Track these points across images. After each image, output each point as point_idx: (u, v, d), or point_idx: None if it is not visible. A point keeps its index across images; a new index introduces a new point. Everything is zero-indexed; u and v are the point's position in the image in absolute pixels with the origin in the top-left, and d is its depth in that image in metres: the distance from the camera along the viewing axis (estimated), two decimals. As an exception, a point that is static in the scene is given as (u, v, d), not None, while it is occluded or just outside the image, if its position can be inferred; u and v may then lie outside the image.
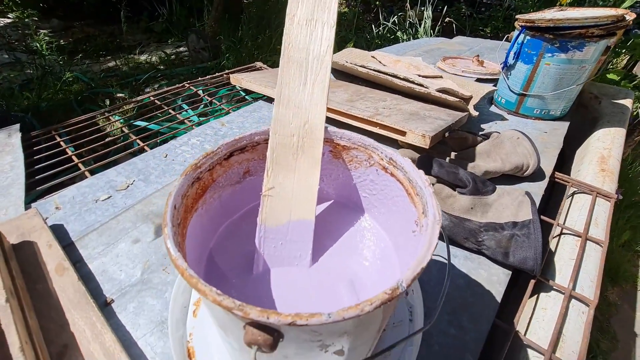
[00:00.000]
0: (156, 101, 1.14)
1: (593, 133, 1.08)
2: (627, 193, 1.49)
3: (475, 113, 0.99)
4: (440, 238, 0.59)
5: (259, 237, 0.41)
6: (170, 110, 1.10)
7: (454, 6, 4.17)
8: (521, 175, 0.77)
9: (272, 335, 0.25)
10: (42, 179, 0.81)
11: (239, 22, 3.22)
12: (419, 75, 1.14)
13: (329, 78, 0.43)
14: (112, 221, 0.67)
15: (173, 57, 3.36)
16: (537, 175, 0.79)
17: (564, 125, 1.05)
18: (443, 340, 0.49)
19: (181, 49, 3.66)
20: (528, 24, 0.97)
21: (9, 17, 4.63)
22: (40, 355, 0.40)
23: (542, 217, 0.71)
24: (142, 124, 1.08)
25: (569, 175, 0.85)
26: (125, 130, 1.02)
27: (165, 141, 0.95)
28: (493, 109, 1.17)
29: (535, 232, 0.56)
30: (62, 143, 0.93)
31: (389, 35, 3.55)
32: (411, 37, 3.30)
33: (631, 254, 1.41)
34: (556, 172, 0.83)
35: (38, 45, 2.91)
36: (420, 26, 3.37)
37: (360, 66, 1.12)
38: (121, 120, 1.16)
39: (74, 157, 0.88)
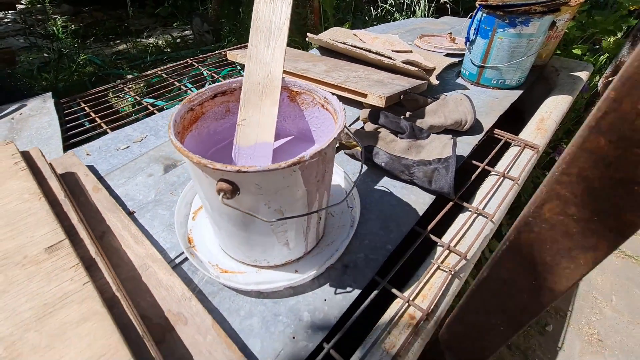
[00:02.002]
0: (163, 74, 1.32)
1: (544, 101, 1.22)
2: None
3: (435, 82, 1.15)
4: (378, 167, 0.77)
5: (234, 154, 0.59)
6: (176, 83, 1.28)
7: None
8: (461, 129, 0.93)
9: (232, 185, 0.43)
10: (73, 135, 1.00)
11: (239, 4, 3.34)
12: (392, 50, 1.29)
13: (286, 42, 0.60)
14: (131, 162, 0.86)
15: (178, 40, 3.51)
16: (475, 129, 0.96)
17: (516, 94, 1.20)
18: (372, 237, 0.67)
19: (186, 32, 3.81)
20: (483, 2, 1.11)
21: (21, 4, 4.80)
22: (90, 233, 0.59)
23: (473, 161, 0.88)
24: (150, 100, 1.26)
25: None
26: (135, 107, 1.21)
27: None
28: (459, 80, 1.32)
29: (451, 166, 0.73)
30: (86, 108, 1.12)
31: (388, 17, 3.63)
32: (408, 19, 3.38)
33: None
34: (495, 129, 0.99)
35: (55, 29, 3.08)
36: (417, 8, 3.44)
37: (340, 42, 1.28)
38: (131, 99, 1.33)
39: (97, 119, 1.07)
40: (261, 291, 0.58)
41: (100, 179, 0.80)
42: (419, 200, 0.75)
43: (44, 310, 0.40)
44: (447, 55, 1.40)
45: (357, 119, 0.98)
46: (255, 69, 0.60)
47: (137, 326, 0.42)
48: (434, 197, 0.76)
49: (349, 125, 0.97)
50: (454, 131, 0.94)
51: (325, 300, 0.57)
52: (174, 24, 4.02)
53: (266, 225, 0.51)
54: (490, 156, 0.88)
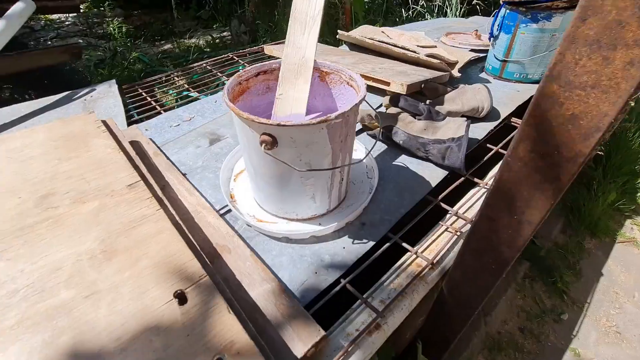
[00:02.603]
0: (207, 67, 1.48)
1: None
2: (615, 156, 1.61)
3: (457, 74, 1.22)
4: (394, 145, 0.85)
5: (272, 122, 0.70)
6: (219, 73, 1.43)
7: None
8: (478, 116, 1.00)
9: (272, 138, 0.54)
10: (133, 114, 1.17)
11: (275, 7, 3.52)
12: (417, 46, 1.37)
13: (318, 30, 0.71)
14: (182, 136, 1.00)
15: (217, 40, 3.74)
16: (492, 117, 1.02)
17: (538, 87, 1.23)
18: (388, 203, 0.76)
19: (224, 33, 4.05)
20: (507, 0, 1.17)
21: (72, 13, 5.29)
22: (154, 185, 0.72)
23: (488, 145, 0.94)
24: (193, 94, 1.41)
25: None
26: (178, 101, 1.37)
27: (215, 93, 1.27)
28: (483, 75, 1.37)
29: (463, 144, 0.81)
30: (143, 93, 1.29)
31: (419, 19, 3.67)
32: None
33: (615, 212, 1.54)
34: (513, 118, 1.04)
35: (112, 29, 3.41)
36: (449, 9, 3.46)
37: (368, 38, 1.37)
38: (174, 94, 1.50)
39: (152, 102, 1.23)
40: (290, 238, 0.69)
41: (158, 148, 0.95)
42: (433, 175, 0.83)
43: (129, 225, 0.53)
44: (472, 51, 1.45)
45: (380, 105, 1.07)
46: (292, 52, 0.71)
47: (195, 244, 0.54)
48: (447, 172, 0.83)
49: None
50: (471, 118, 1.01)
51: (343, 247, 0.67)
52: (214, 26, 4.28)
53: (297, 178, 0.61)
54: (505, 140, 0.94)
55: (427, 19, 3.60)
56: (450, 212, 0.75)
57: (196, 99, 1.26)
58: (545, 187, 0.40)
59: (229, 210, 0.75)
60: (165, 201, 0.62)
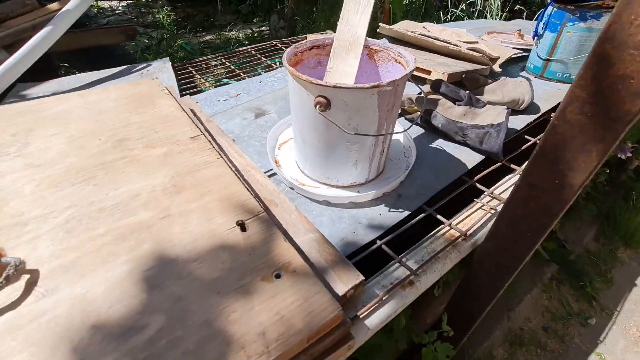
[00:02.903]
0: (252, 52, 1.55)
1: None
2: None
3: (498, 69, 1.23)
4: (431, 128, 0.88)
5: (322, 93, 0.75)
6: (263, 58, 1.50)
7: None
8: (518, 108, 1.01)
9: (327, 100, 0.59)
10: (184, 88, 1.26)
11: (314, 4, 3.60)
12: (459, 40, 1.39)
13: (371, 10, 0.75)
14: (229, 109, 1.08)
15: (256, 34, 3.87)
16: (532, 110, 1.02)
17: (581, 87, 1.22)
18: (424, 179, 0.79)
19: (263, 28, 4.18)
20: (555, -3, 1.17)
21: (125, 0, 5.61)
22: (212, 143, 0.79)
23: (526, 136, 0.95)
24: (230, 82, 1.49)
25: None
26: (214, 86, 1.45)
27: (259, 75, 1.34)
28: (523, 73, 1.37)
29: (502, 130, 0.82)
30: (193, 71, 1.39)
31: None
32: (477, 24, 3.37)
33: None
34: (552, 113, 1.04)
35: (161, 17, 3.61)
36: (489, 13, 3.42)
37: (410, 32, 1.40)
38: (212, 81, 1.58)
39: (202, 79, 1.32)
40: (329, 202, 0.73)
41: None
42: (469, 158, 0.85)
43: (194, 168, 0.59)
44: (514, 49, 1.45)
45: (420, 92, 1.10)
46: (345, 29, 0.76)
47: (249, 190, 0.59)
48: (483, 157, 0.85)
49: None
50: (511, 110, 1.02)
51: (380, 214, 0.71)
52: (254, 20, 4.41)
53: (344, 142, 0.66)
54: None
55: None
56: (485, 192, 0.77)
57: (242, 78, 1.34)
58: (589, 149, 0.42)
59: (274, 174, 0.80)
60: (222, 154, 0.68)
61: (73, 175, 0.57)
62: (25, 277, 0.41)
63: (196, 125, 0.73)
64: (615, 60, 0.36)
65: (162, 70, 1.33)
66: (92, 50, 2.22)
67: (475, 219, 0.70)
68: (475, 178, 0.79)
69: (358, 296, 0.55)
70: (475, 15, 3.57)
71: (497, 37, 1.54)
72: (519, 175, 0.81)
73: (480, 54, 1.17)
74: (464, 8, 3.61)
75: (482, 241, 0.66)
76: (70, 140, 0.65)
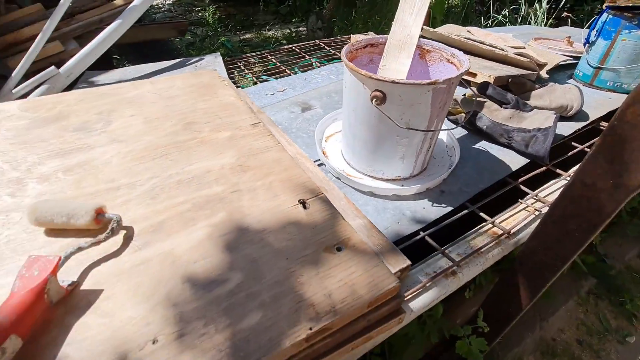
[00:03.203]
0: (297, 50, 1.62)
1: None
2: None
3: (545, 75, 1.21)
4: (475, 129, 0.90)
5: (373, 89, 0.79)
6: (307, 56, 1.56)
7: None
8: (566, 114, 1.00)
9: (383, 94, 0.63)
10: (234, 82, 1.33)
11: (353, 6, 3.64)
12: (505, 45, 1.38)
13: (426, 11, 0.78)
14: (277, 103, 1.14)
15: (294, 34, 3.96)
16: (580, 118, 1.01)
17: (634, 97, 1.18)
18: (467, 178, 0.81)
19: (300, 28, 4.27)
20: (611, 4, 1.14)
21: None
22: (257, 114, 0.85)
23: (573, 143, 0.94)
24: (269, 79, 1.55)
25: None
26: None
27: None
28: (571, 81, 1.34)
29: (550, 135, 0.83)
30: (242, 66, 1.46)
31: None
32: (520, 31, 3.28)
33: None
34: (603, 122, 1.02)
35: (207, 15, 3.79)
36: (532, 20, 3.32)
37: (455, 35, 1.41)
38: (251, 78, 1.64)
39: (250, 74, 1.39)
40: (374, 193, 0.77)
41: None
42: (513, 161, 0.86)
43: (257, 151, 0.65)
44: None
45: (464, 95, 1.11)
46: (398, 30, 0.79)
47: (304, 173, 0.64)
48: (528, 160, 0.86)
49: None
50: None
51: (423, 208, 0.73)
52: (292, 20, 4.52)
53: (393, 136, 0.69)
54: (592, 141, 0.93)
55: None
56: (530, 194, 0.78)
57: (287, 74, 1.40)
58: (650, 150, 0.43)
59: (321, 164, 0.85)
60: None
61: (152, 151, 0.64)
62: (123, 232, 0.47)
63: (255, 113, 0.79)
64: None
65: (213, 64, 1.42)
66: (143, 44, 2.38)
67: (518, 218, 0.72)
68: (520, 180, 0.80)
69: (403, 280, 0.58)
70: (519, 21, 3.48)
71: (545, 44, 1.51)
72: (565, 181, 0.81)
73: (528, 59, 1.17)
74: (507, 14, 3.52)
75: (525, 240, 0.67)
76: (146, 121, 0.72)
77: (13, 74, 1.26)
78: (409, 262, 0.56)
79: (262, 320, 0.37)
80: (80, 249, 0.43)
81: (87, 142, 0.65)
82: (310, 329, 0.37)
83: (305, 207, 0.53)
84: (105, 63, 1.82)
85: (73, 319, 0.36)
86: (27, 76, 1.30)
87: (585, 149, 0.91)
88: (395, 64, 0.79)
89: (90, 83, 1.31)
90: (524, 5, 3.44)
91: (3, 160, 0.59)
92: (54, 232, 0.47)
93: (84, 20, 1.62)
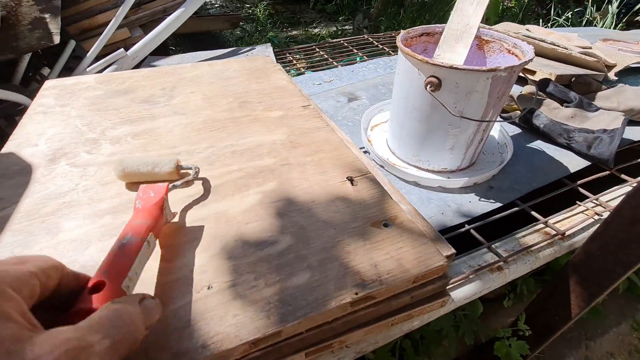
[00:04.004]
0: (345, 43, 1.63)
1: None
2: None
3: (614, 77, 1.12)
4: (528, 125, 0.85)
5: (425, 79, 0.78)
6: (354, 50, 1.56)
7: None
8: (636, 119, 0.91)
9: (438, 80, 0.62)
10: (282, 71, 1.37)
11: (401, 5, 3.59)
12: (569, 44, 1.29)
13: (487, 2, 0.76)
14: (324, 92, 1.15)
15: (339, 32, 3.98)
16: (653, 122, 0.92)
17: None
18: (519, 176, 0.77)
19: (346, 27, 4.27)
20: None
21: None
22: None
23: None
24: (312, 74, 1.56)
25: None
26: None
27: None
28: (642, 86, 1.23)
29: (617, 137, 0.76)
30: (291, 57, 1.50)
31: (557, 31, 3.33)
32: (584, 35, 3.05)
33: None
34: (680, 129, 0.93)
35: (259, 11, 3.93)
36: (599, 24, 3.07)
37: (512, 32, 1.34)
38: (298, 70, 1.67)
39: (298, 64, 1.42)
40: (418, 183, 0.76)
41: (304, 97, 1.11)
42: (572, 162, 0.80)
43: (307, 130, 0.66)
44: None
45: (521, 92, 1.05)
46: (457, 19, 0.77)
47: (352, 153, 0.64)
48: (589, 163, 0.80)
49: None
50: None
51: (470, 202, 0.71)
52: (339, 19, 4.54)
53: (445, 126, 0.68)
54: (665, 148, 0.85)
55: (568, 33, 3.25)
56: (590, 197, 0.72)
57: (334, 66, 1.41)
58: None
59: (366, 152, 0.85)
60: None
61: (210, 124, 0.67)
62: (199, 182, 0.51)
63: (306, 98, 0.80)
64: None
65: (264, 53, 1.47)
66: (197, 35, 2.51)
67: (575, 221, 0.67)
68: (579, 182, 0.75)
69: (445, 271, 0.57)
70: (583, 24, 3.23)
71: (615, 45, 1.40)
72: (631, 187, 0.75)
73: (594, 59, 1.09)
74: (569, 16, 3.29)
75: (582, 244, 0.63)
76: (204, 98, 0.77)
77: (87, 55, 1.39)
78: (453, 250, 0.55)
79: (310, 281, 0.38)
80: (174, 187, 0.48)
81: (152, 113, 0.70)
82: (356, 293, 0.37)
83: (353, 184, 0.53)
84: (163, 51, 1.95)
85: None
86: (97, 58, 1.43)
87: (657, 156, 0.83)
88: (451, 53, 0.77)
89: (153, 66, 1.41)
90: (590, 7, 3.19)
91: (82, 123, 0.66)
92: (128, 185, 0.52)
93: (150, 10, 1.75)
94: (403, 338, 0.83)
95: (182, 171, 0.52)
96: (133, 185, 0.52)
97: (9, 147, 0.60)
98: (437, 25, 0.79)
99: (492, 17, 3.02)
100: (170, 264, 0.40)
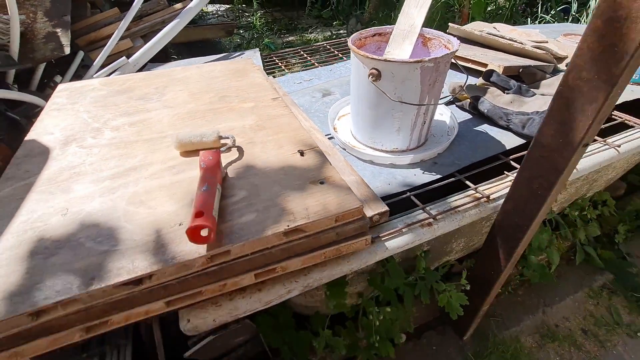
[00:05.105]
0: (327, 46, 1.77)
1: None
2: None
3: (564, 68, 1.23)
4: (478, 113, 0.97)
5: (378, 72, 0.91)
6: (335, 51, 1.70)
7: None
8: (573, 103, 1.03)
9: (378, 72, 0.75)
10: (268, 73, 1.51)
11: (393, 8, 3.73)
12: (527, 40, 1.41)
13: (429, 5, 0.88)
14: (301, 90, 1.29)
15: (334, 36, 4.13)
16: (589, 106, 1.03)
17: (660, 90, 1.16)
18: (461, 153, 0.89)
19: (341, 31, 4.43)
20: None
21: (225, 4, 6.37)
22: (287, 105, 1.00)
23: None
24: (294, 74, 1.70)
25: None
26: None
27: (330, 65, 1.54)
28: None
29: (547, 116, 0.88)
30: (276, 60, 1.64)
31: (544, 28, 3.43)
32: (568, 31, 3.14)
33: None
34: (615, 111, 1.04)
35: (255, 19, 4.10)
36: (584, 20, 3.16)
37: (477, 31, 1.47)
38: (286, 72, 1.81)
39: (282, 67, 1.57)
40: (373, 161, 0.88)
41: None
42: (509, 141, 0.92)
43: (272, 117, 0.80)
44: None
45: (475, 84, 1.17)
46: (403, 20, 0.90)
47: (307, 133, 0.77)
48: (524, 141, 0.91)
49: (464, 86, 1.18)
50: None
51: (414, 175, 0.83)
52: (334, 24, 4.69)
53: (389, 109, 0.81)
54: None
55: (555, 30, 3.34)
56: (517, 168, 0.84)
57: (316, 67, 1.55)
58: (585, 109, 0.51)
59: (331, 138, 0.98)
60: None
61: (193, 114, 0.81)
62: (235, 149, 0.66)
63: (277, 91, 0.94)
64: (604, 33, 0.46)
65: (253, 58, 1.61)
66: (195, 43, 2.68)
67: (501, 187, 0.79)
68: (511, 157, 0.87)
69: (382, 226, 0.69)
70: (569, 21, 3.33)
71: (574, 39, 1.51)
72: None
73: (544, 52, 1.20)
74: (555, 13, 3.39)
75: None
76: (190, 94, 0.91)
77: (94, 64, 1.55)
78: (387, 208, 0.67)
79: (255, 219, 0.51)
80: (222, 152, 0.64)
81: (146, 107, 0.85)
82: (288, 226, 0.50)
83: (302, 155, 0.66)
84: (164, 58, 2.12)
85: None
86: (103, 66, 1.59)
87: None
88: (399, 50, 0.90)
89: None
90: (574, 4, 3.29)
91: (88, 116, 0.80)
92: (183, 154, 0.68)
93: (150, 22, 1.91)
94: (369, 300, 0.94)
95: (222, 140, 0.68)
96: (132, 158, 0.66)
97: (31, 136, 0.74)
98: (387, 26, 0.92)
99: (477, 17, 3.14)
100: (152, 210, 0.54)
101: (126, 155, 0.67)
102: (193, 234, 0.44)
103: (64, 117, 0.81)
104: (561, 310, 1.17)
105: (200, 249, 0.47)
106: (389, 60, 0.72)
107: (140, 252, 0.47)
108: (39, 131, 0.76)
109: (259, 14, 4.55)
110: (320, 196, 0.56)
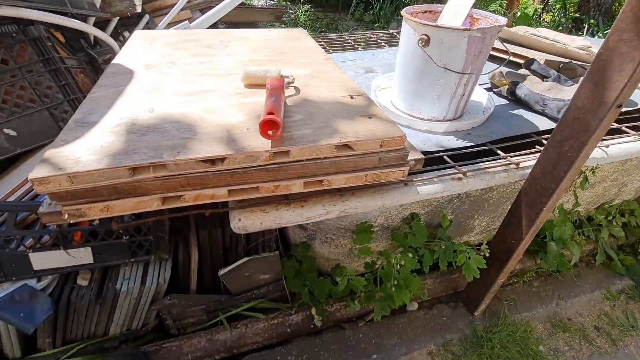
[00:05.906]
0: (373, 36, 1.85)
1: None
2: None
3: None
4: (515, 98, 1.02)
5: (424, 46, 0.97)
6: (379, 40, 1.78)
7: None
8: (611, 99, 1.05)
9: (427, 37, 0.82)
10: (314, 51, 1.61)
11: (435, 17, 3.78)
12: (572, 43, 1.43)
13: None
14: (345, 67, 1.37)
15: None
16: (628, 104, 1.05)
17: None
18: (495, 128, 0.94)
19: (380, 34, 4.51)
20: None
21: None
22: (329, 74, 1.08)
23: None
24: (338, 54, 1.79)
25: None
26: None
27: (373, 50, 1.62)
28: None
29: (584, 102, 0.92)
30: (323, 43, 1.74)
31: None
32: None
33: None
34: (652, 112, 1.06)
35: (300, 13, 4.28)
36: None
37: (520, 32, 1.51)
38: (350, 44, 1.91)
39: (328, 47, 1.65)
40: (410, 126, 0.95)
41: (329, 68, 1.33)
42: (543, 123, 0.96)
43: (325, 70, 0.88)
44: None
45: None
46: (454, 1, 0.96)
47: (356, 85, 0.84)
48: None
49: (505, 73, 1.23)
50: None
51: (449, 140, 0.89)
52: (375, 26, 4.79)
53: (432, 75, 0.87)
54: (633, 123, 0.99)
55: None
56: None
57: (359, 50, 1.63)
58: (623, 69, 0.56)
59: (372, 103, 1.05)
60: (341, 75, 0.96)
61: (254, 61, 0.91)
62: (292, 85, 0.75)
63: (328, 55, 1.02)
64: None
65: (300, 37, 1.71)
66: (243, 25, 2.82)
67: (530, 159, 0.83)
68: (543, 136, 0.91)
69: (417, 175, 0.75)
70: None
71: (618, 49, 1.52)
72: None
73: (587, 53, 1.23)
74: (601, 36, 3.34)
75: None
76: (251, 49, 1.00)
77: (157, 27, 1.70)
78: (422, 156, 0.74)
79: (311, 133, 0.59)
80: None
81: (213, 53, 0.95)
82: (340, 140, 0.57)
83: (352, 98, 0.74)
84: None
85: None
86: (164, 31, 1.73)
87: (624, 128, 0.97)
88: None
89: (207, 40, 1.69)
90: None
91: (164, 53, 0.91)
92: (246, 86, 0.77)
93: (208, -2, 2.06)
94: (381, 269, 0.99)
95: (284, 76, 0.76)
96: (204, 84, 0.75)
97: (116, 60, 0.86)
98: (438, 4, 0.99)
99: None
100: (220, 118, 0.63)
101: (199, 82, 0.77)
102: (264, 128, 0.53)
103: (143, 52, 0.92)
104: (575, 305, 1.18)
105: (266, 145, 0.55)
106: (440, 26, 0.79)
107: (217, 142, 0.55)
108: (122, 59, 0.87)
109: (304, 9, 4.71)
110: (368, 125, 0.63)
